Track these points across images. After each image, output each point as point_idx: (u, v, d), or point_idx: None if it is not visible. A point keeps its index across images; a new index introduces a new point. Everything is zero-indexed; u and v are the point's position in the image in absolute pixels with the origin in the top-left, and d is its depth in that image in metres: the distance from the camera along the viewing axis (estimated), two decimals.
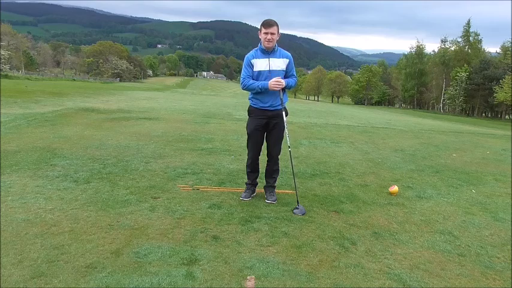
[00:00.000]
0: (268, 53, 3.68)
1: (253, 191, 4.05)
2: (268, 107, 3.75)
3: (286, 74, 3.79)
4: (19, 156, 5.02)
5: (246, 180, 4.07)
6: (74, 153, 5.41)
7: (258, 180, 4.08)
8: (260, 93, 3.72)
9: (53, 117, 8.83)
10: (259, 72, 3.71)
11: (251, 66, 3.73)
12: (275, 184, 4.02)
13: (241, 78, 3.81)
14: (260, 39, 3.68)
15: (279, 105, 3.75)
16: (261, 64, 3.69)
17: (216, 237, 2.96)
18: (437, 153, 7.45)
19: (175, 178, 4.49)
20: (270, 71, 3.69)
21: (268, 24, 3.57)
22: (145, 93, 26.22)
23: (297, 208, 3.64)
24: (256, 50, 3.75)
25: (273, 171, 3.98)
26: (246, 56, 3.78)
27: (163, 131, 7.79)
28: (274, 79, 3.61)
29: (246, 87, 3.72)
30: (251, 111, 3.88)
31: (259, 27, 3.68)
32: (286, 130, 3.83)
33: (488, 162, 6.86)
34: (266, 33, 3.57)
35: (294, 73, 3.86)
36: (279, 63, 3.71)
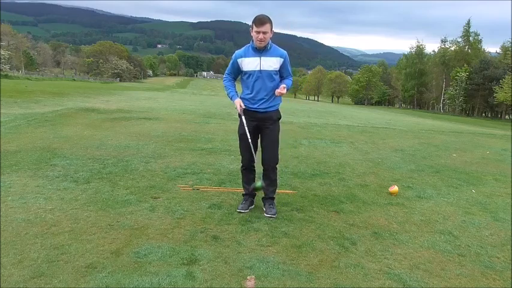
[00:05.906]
0: (260, 51, 3.35)
1: (252, 203, 3.66)
2: (258, 108, 3.43)
3: (281, 75, 3.47)
4: (19, 156, 5.02)
5: None
6: (74, 153, 5.41)
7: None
8: (249, 92, 3.43)
9: (53, 117, 8.83)
10: (249, 73, 3.40)
11: (236, 65, 3.44)
12: (274, 196, 3.59)
13: (224, 74, 3.62)
14: (252, 36, 3.33)
15: (271, 106, 3.46)
16: (250, 64, 3.37)
17: (216, 237, 2.96)
18: (437, 153, 7.44)
19: (175, 178, 4.49)
20: (260, 71, 3.36)
21: (260, 22, 3.21)
22: (145, 93, 26.21)
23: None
24: (248, 48, 3.42)
25: (270, 181, 3.54)
26: (235, 52, 3.47)
27: (163, 131, 7.79)
28: (239, 107, 3.39)
29: (224, 85, 3.60)
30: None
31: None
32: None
33: (488, 162, 6.86)
34: (258, 32, 3.22)
35: (290, 73, 3.54)
36: (271, 63, 3.37)
